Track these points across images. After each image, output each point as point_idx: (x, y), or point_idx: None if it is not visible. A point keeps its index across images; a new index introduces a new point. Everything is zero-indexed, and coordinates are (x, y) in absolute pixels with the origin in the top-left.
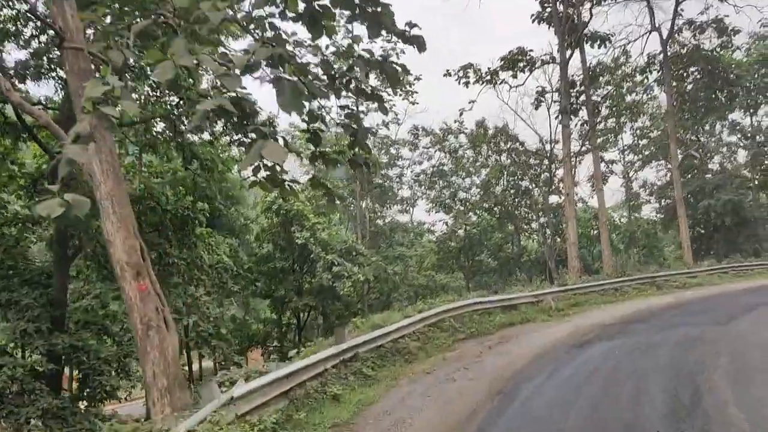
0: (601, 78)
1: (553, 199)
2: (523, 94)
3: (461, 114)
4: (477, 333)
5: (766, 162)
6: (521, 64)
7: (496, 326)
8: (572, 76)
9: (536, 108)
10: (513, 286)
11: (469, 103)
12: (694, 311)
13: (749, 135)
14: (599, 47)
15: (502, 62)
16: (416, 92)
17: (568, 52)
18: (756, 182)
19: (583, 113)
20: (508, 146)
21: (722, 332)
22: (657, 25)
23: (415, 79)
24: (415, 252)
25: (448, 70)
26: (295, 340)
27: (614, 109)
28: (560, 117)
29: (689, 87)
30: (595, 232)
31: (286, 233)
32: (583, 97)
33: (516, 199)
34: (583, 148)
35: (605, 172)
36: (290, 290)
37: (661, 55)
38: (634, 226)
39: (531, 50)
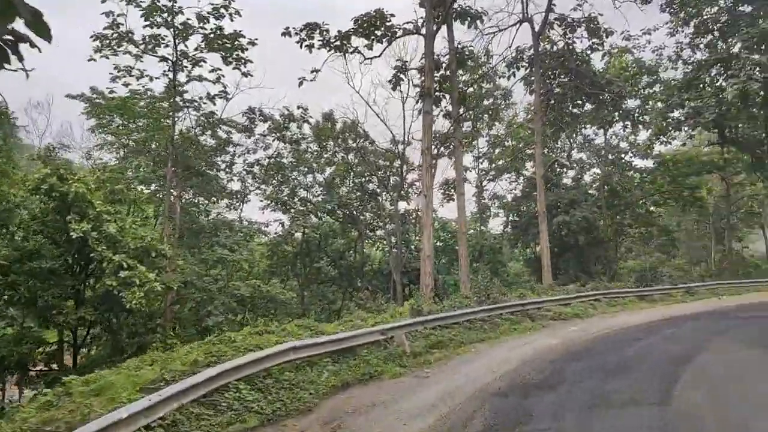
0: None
1: (402, 205)
2: (377, 85)
3: (301, 84)
4: (284, 412)
5: (614, 181)
6: (378, 33)
7: (320, 392)
8: (438, 54)
9: (394, 88)
10: (353, 308)
11: (312, 72)
12: (609, 365)
13: (602, 152)
14: (469, 27)
15: (356, 25)
16: (250, 61)
17: (435, 27)
18: (604, 201)
19: (446, 103)
20: (357, 143)
21: (696, 419)
22: (529, 15)
23: (249, 44)
24: (241, 255)
25: (287, 28)
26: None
27: (471, 112)
28: (422, 101)
29: (556, 90)
30: (441, 243)
31: (64, 223)
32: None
33: (362, 203)
34: (441, 149)
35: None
36: (63, 298)
37: (532, 50)
38: (482, 240)
39: (392, 15)
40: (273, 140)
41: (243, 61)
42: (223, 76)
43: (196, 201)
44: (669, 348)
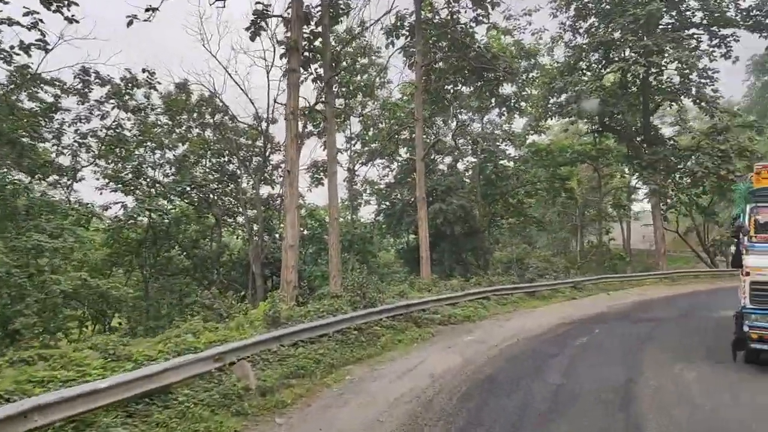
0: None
1: (265, 190)
2: (238, 51)
3: (130, 23)
4: None
5: (489, 169)
6: None
7: None
8: (308, 5)
9: (252, 38)
10: (197, 309)
11: (147, 11)
12: (538, 402)
13: (477, 140)
14: None
15: None
16: (75, 3)
17: None
18: (480, 190)
19: (317, 66)
20: (215, 118)
21: None
22: None
23: None
24: (65, 243)
25: None
26: None
27: (344, 89)
28: (288, 57)
29: (439, 64)
30: (308, 232)
31: None
32: (318, 42)
33: (220, 185)
34: (310, 127)
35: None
36: None
37: (413, 17)
38: (352, 229)
39: None
40: (112, 108)
41: (66, 2)
42: (41, 21)
43: (10, 177)
44: (599, 369)
